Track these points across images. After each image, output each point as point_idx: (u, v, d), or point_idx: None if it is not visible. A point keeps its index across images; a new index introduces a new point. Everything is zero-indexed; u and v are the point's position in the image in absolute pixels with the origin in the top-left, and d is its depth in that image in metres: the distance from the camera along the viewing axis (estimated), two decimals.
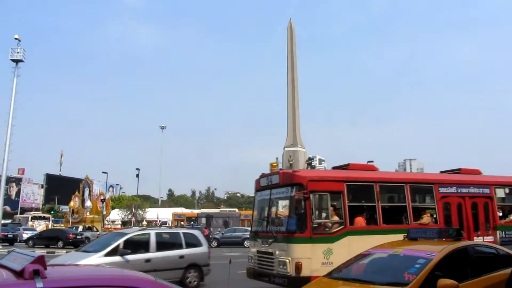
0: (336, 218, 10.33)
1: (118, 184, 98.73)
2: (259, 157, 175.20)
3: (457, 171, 13.32)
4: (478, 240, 11.40)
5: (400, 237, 9.40)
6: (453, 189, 11.97)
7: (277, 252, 10.06)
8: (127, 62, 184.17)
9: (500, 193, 12.94)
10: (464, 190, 12.12)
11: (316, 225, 10.08)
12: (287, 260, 9.69)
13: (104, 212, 49.71)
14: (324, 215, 10.75)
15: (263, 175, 11.58)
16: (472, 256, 6.57)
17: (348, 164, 11.64)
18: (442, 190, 11.76)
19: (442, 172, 13.81)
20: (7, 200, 76.74)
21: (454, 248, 6.44)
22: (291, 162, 45.47)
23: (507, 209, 13.21)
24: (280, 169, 11.31)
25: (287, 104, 47.80)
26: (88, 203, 54.36)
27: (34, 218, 54.05)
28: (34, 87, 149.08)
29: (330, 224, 10.27)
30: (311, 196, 9.92)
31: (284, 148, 49.25)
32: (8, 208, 77.64)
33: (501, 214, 12.90)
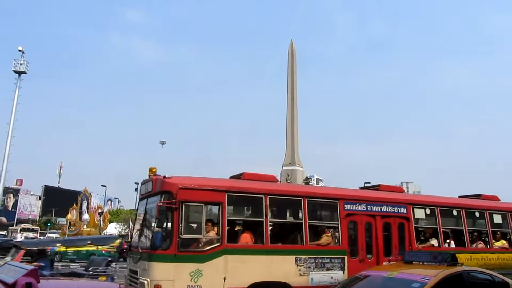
0: (212, 234, 8.75)
1: (116, 198, 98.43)
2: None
3: (376, 187, 11.95)
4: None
5: (291, 259, 9.03)
6: (362, 207, 10.36)
7: (139, 272, 8.63)
8: (128, 76, 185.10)
9: (420, 213, 11.32)
10: (376, 208, 10.54)
11: (184, 241, 8.45)
12: (145, 282, 8.20)
13: (102, 226, 49.46)
14: (197, 229, 8.96)
15: (142, 182, 10.18)
16: (467, 282, 6.52)
17: (242, 174, 10.17)
18: (348, 207, 10.16)
19: (362, 188, 12.56)
20: (4, 211, 76.40)
21: (449, 273, 6.39)
22: (288, 181, 45.39)
23: (429, 232, 11.60)
24: (156, 174, 9.44)
25: (286, 122, 48.09)
26: (85, 216, 54.16)
27: (23, 230, 53.43)
28: (33, 97, 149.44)
29: (203, 241, 8.69)
30: (181, 206, 8.45)
31: (282, 167, 49.27)
32: (4, 219, 77.15)
33: (423, 238, 11.55)
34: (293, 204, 10.20)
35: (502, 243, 12.42)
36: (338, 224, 9.96)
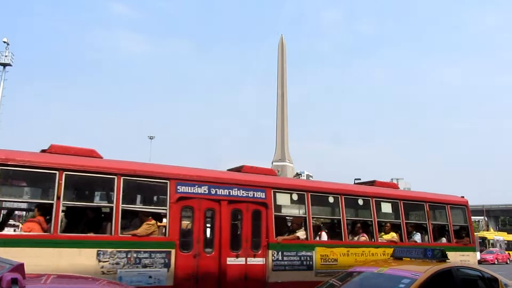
0: None
1: None
2: None
3: (239, 168, 9.82)
4: (238, 261, 8.51)
5: (90, 252, 7.15)
6: (202, 189, 8.41)
7: None
8: (114, 71, 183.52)
9: (284, 200, 9.51)
10: (222, 191, 8.59)
11: None
12: None
13: None
14: None
15: None
16: (457, 278, 6.59)
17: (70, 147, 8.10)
18: (182, 189, 8.25)
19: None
20: None
21: (439, 269, 6.45)
22: None
23: (297, 222, 9.78)
24: None
25: (276, 118, 48.27)
26: None
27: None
28: (15, 91, 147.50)
29: None
30: None
31: (272, 163, 49.49)
32: None
33: (290, 229, 9.87)
34: (103, 184, 8.35)
35: (392, 236, 10.72)
36: (166, 209, 8.09)
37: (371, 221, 10.47)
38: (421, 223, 11.74)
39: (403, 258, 7.40)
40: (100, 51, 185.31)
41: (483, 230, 68.09)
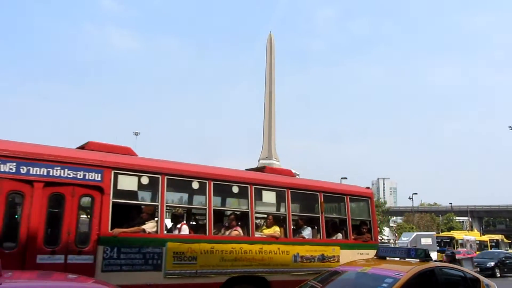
0: None
1: None
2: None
3: (83, 146, 8.11)
4: (54, 259, 6.75)
5: None
6: (8, 167, 6.64)
7: None
8: (100, 66, 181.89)
9: (129, 184, 7.71)
10: (37, 170, 6.83)
11: None
12: None
13: None
14: None
15: None
16: (440, 278, 6.66)
17: None
18: None
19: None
20: None
21: (422, 269, 6.51)
22: None
23: (147, 212, 8.01)
24: None
25: (263, 116, 48.34)
26: None
27: None
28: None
29: None
30: None
31: (258, 161, 49.54)
32: None
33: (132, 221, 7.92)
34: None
35: (274, 230, 9.26)
36: None
37: (248, 212, 8.92)
38: (312, 216, 10.24)
39: (387, 258, 7.47)
40: (89, 48, 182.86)
41: (467, 231, 69.05)
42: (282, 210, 9.88)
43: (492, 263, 27.10)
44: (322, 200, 10.03)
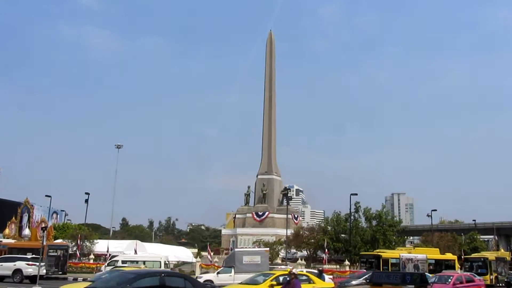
0: None
1: (63, 210, 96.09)
2: (230, 185, 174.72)
3: None
4: None
5: None
6: None
7: None
8: (79, 70, 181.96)
9: None
10: None
11: None
12: None
13: (45, 243, 48.11)
14: None
15: None
16: None
17: None
18: None
19: None
20: None
21: None
22: (264, 192, 45.26)
23: None
24: None
25: (262, 126, 47.73)
26: (26, 231, 52.56)
27: None
28: None
29: None
30: None
31: (257, 176, 48.94)
32: None
33: None
34: None
35: None
36: None
37: None
38: None
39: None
40: (64, 47, 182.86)
41: (492, 250, 68.30)
42: None
43: None
44: None
